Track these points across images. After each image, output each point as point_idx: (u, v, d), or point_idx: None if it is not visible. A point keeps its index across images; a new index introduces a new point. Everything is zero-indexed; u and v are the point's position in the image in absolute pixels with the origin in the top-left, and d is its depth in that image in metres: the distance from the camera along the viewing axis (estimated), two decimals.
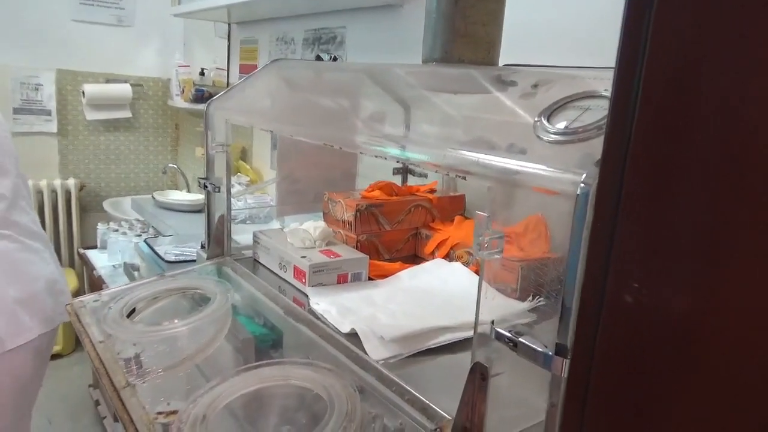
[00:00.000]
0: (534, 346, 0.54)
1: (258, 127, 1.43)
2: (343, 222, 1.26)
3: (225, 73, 2.79)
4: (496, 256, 0.60)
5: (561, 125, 0.59)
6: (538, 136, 0.59)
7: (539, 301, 0.77)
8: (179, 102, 2.99)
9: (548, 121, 0.60)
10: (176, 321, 0.95)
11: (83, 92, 3.11)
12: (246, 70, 2.61)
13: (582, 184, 0.51)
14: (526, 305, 0.80)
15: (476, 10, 0.92)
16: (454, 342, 0.87)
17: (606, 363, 0.36)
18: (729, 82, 0.32)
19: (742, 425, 0.33)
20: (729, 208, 0.33)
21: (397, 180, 1.46)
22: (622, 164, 0.34)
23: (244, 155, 2.69)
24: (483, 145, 0.68)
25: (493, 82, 0.82)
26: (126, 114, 3.29)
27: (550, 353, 0.53)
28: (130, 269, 1.85)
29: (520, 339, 0.55)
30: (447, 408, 0.69)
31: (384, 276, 1.13)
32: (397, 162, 0.76)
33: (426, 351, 0.85)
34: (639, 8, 0.36)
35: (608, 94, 0.59)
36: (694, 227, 0.33)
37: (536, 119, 0.61)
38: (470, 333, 0.85)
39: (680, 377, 0.35)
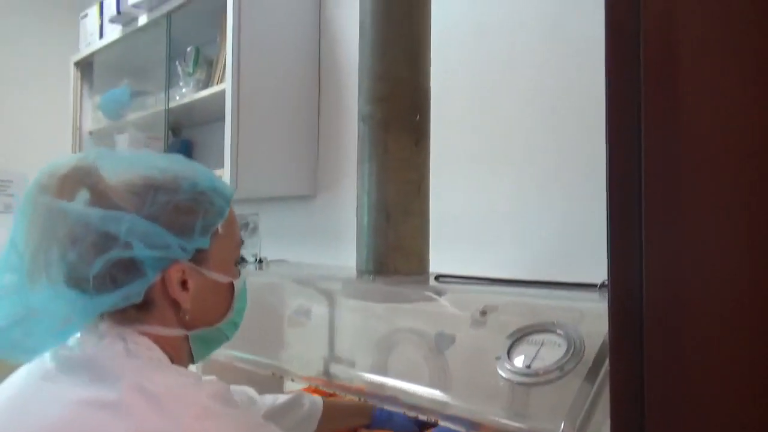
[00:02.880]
0: None
1: None
2: None
3: None
4: None
5: (519, 362, 0.62)
6: (502, 375, 0.62)
7: None
8: None
9: (508, 357, 0.63)
10: None
11: None
12: None
13: None
14: None
15: (407, 225, 0.99)
16: None
17: None
18: None
19: None
20: None
21: None
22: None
23: None
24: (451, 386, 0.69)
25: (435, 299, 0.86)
26: None
27: None
28: None
29: None
30: None
31: None
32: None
33: None
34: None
35: (557, 328, 0.64)
36: None
37: (497, 356, 0.64)
38: None
39: None
